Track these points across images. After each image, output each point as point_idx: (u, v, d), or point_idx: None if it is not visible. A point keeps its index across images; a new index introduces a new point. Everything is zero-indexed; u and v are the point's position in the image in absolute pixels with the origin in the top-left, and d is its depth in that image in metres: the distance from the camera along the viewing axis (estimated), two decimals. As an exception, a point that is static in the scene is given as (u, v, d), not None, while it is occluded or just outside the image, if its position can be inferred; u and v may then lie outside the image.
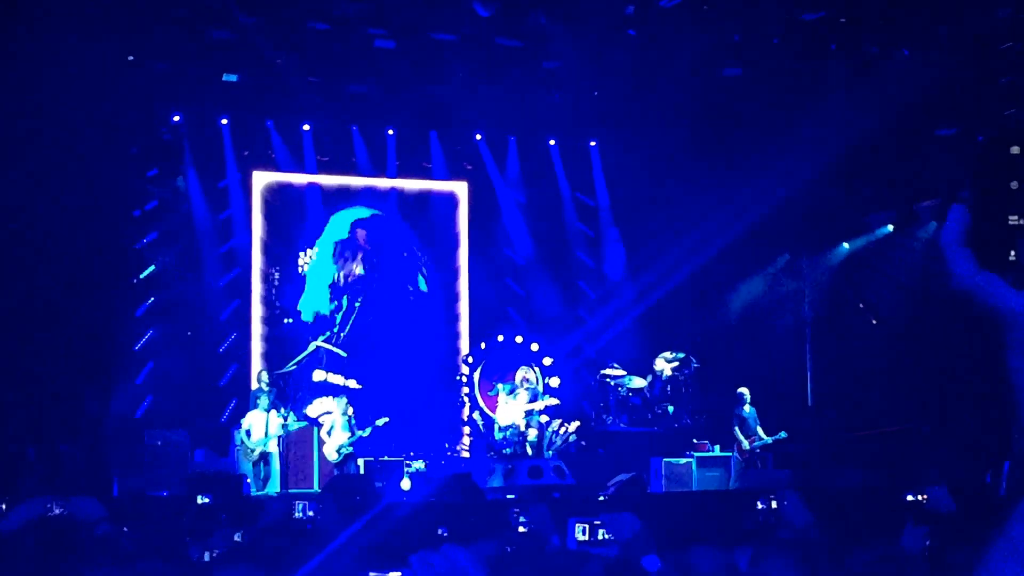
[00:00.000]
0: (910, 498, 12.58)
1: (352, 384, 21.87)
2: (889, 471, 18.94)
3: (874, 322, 23.77)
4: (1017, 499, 2.07)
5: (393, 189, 24.28)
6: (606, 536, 7.91)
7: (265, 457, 19.92)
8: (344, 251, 23.89)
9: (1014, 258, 2.22)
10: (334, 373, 22.36)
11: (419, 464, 21.61)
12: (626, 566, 5.95)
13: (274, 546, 6.91)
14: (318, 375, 22.37)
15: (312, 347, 23.05)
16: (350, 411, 21.03)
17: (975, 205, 2.27)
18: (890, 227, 23.46)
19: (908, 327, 22.65)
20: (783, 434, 20.96)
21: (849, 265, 24.46)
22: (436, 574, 3.22)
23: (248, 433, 19.95)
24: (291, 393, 22.35)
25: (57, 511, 9.46)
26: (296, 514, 12.17)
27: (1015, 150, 2.24)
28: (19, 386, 19.06)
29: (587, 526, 8.04)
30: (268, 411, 20.09)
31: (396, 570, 4.40)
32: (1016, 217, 2.28)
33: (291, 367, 22.80)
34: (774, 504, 8.69)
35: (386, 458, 21.12)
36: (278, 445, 20.05)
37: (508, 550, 6.54)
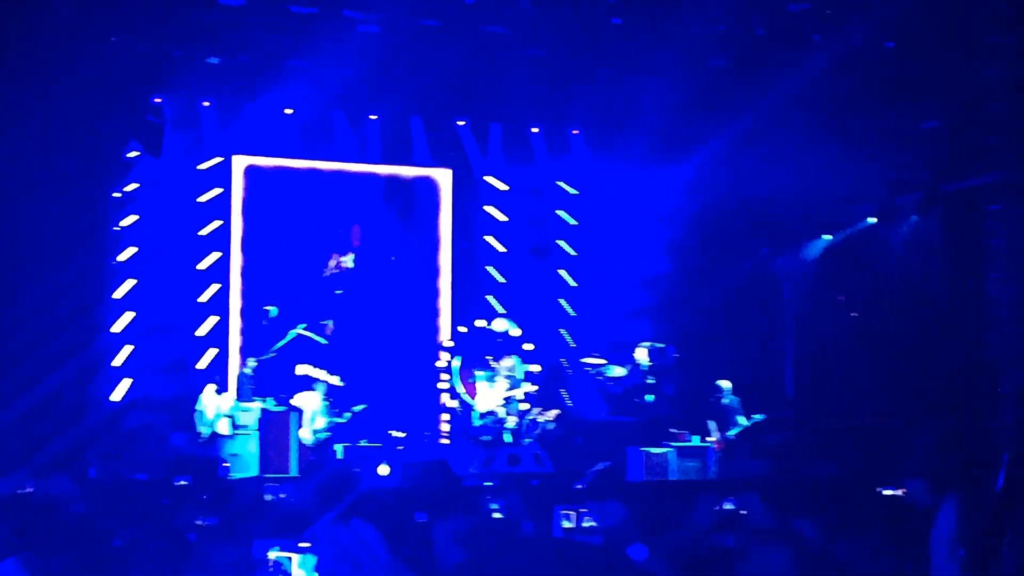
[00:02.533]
0: (887, 492, 12.54)
1: (335, 380, 21.80)
2: (867, 463, 18.96)
3: (854, 314, 23.77)
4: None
5: (375, 175, 24.19)
6: (591, 524, 7.88)
7: (216, 437, 20.06)
8: (336, 242, 23.80)
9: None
10: (317, 368, 22.30)
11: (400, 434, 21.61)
12: (611, 555, 5.91)
13: (248, 528, 6.87)
14: (301, 369, 22.31)
15: (292, 334, 22.97)
16: (327, 395, 21.07)
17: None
18: (872, 219, 23.47)
19: (888, 320, 22.67)
20: (759, 416, 20.91)
21: (830, 257, 24.46)
22: (341, 548, 3.20)
23: (201, 414, 20.08)
24: (271, 379, 22.29)
25: (29, 489, 9.42)
26: (267, 496, 12.16)
27: None
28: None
29: (572, 513, 8.01)
30: (221, 395, 20.23)
31: (304, 541, 4.37)
32: None
33: (271, 354, 22.74)
34: (729, 507, 8.64)
35: (364, 443, 21.12)
36: (229, 427, 20.13)
37: (486, 536, 6.50)
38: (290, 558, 4.43)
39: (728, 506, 7.79)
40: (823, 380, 24.03)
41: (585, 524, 8.11)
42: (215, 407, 20.39)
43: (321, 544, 3.27)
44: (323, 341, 23.15)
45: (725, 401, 21.17)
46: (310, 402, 21.02)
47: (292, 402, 21.18)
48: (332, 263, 23.70)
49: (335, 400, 21.19)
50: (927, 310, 22.05)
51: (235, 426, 20.37)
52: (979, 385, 21.21)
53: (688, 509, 7.44)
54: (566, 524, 8.11)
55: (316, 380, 21.43)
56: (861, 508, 11.38)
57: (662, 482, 19.47)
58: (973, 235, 21.54)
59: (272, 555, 4.54)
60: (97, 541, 7.13)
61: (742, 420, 21.06)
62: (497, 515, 8.97)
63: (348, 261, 23.77)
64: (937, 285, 22.05)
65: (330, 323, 23.18)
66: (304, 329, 23.07)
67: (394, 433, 21.63)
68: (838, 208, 23.96)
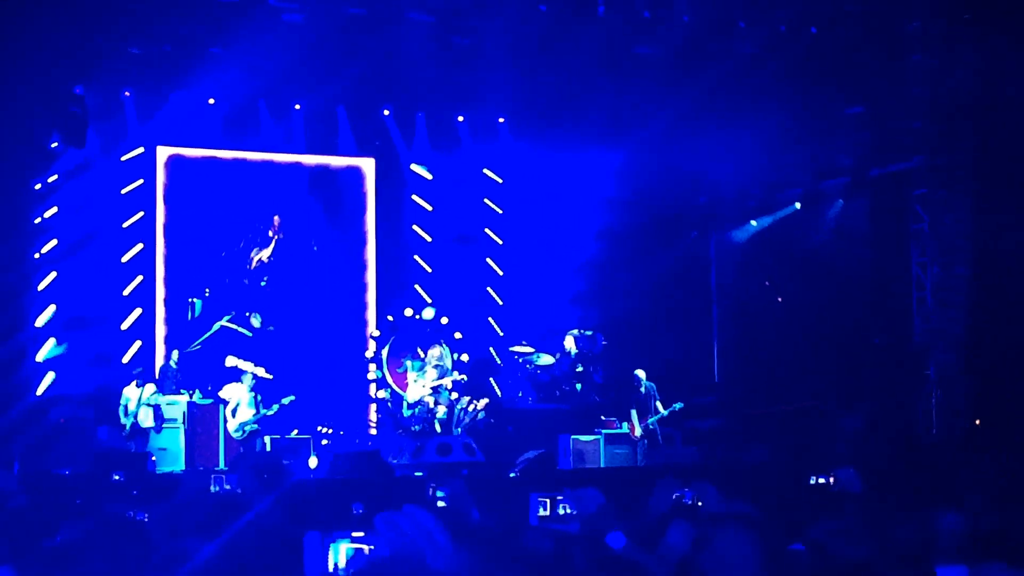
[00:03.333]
0: (818, 480, 12.61)
1: (262, 372, 21.65)
2: (797, 449, 19.09)
3: (779, 299, 23.89)
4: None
5: (300, 164, 24.02)
6: (567, 511, 7.80)
7: (140, 431, 19.88)
8: (256, 235, 23.60)
9: None
10: (245, 360, 22.13)
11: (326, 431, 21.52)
12: (589, 543, 5.87)
13: (195, 520, 6.76)
14: (230, 361, 22.13)
15: (217, 326, 22.79)
16: (253, 383, 20.92)
17: None
18: (797, 205, 23.61)
19: (815, 305, 22.81)
20: (679, 405, 20.89)
21: (756, 242, 24.57)
22: (401, 533, 3.17)
23: (125, 407, 19.92)
24: (197, 371, 22.10)
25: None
26: (213, 488, 12.06)
27: None
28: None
29: (548, 501, 7.93)
30: (142, 386, 20.04)
31: (360, 531, 4.32)
32: None
33: (196, 346, 22.56)
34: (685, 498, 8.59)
35: (295, 434, 21.00)
36: (150, 419, 19.97)
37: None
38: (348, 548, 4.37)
39: (683, 496, 7.75)
40: (750, 365, 24.16)
41: (561, 511, 8.04)
42: (136, 399, 20.16)
43: (380, 533, 3.23)
44: (248, 333, 22.97)
45: (642, 389, 21.12)
46: (237, 394, 20.85)
47: (220, 394, 21.01)
48: (253, 256, 23.51)
49: (263, 392, 21.03)
50: (854, 294, 22.22)
51: (162, 419, 20.16)
52: (905, 369, 21.41)
53: (643, 496, 7.41)
54: (542, 512, 8.04)
55: (243, 372, 21.27)
56: (797, 494, 11.46)
57: (594, 470, 19.50)
58: (899, 220, 21.71)
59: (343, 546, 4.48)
60: (32, 536, 7.01)
61: (659, 407, 20.99)
62: (441, 504, 8.92)
63: (266, 254, 23.58)
64: (863, 269, 22.23)
65: (256, 316, 23.01)
66: (229, 321, 22.88)
67: (322, 428, 21.50)
68: (765, 193, 24.08)
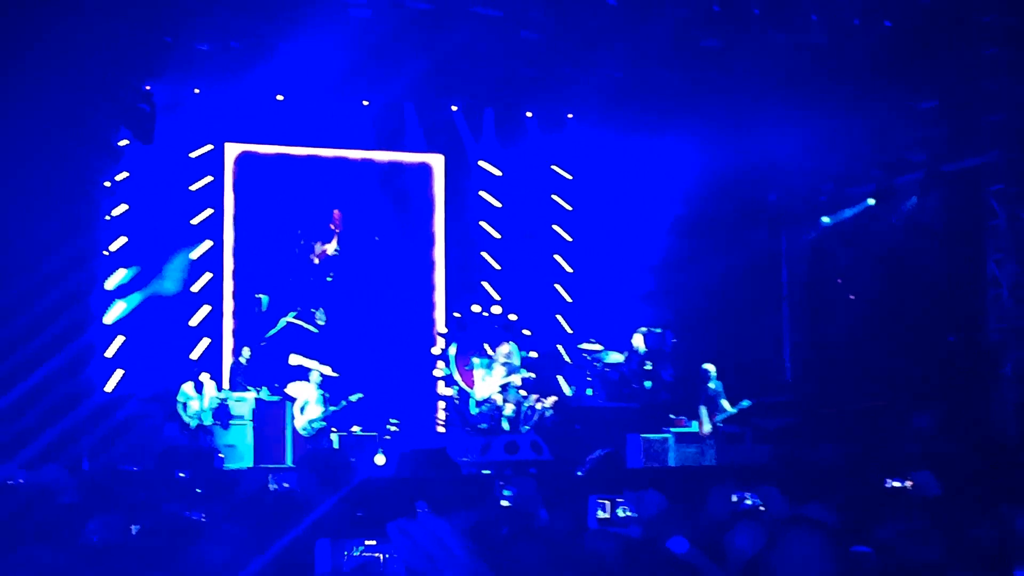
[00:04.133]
0: (894, 484, 12.37)
1: (327, 371, 21.65)
2: (869, 448, 18.81)
3: (852, 297, 23.59)
4: None
5: (368, 161, 24.00)
6: (628, 514, 7.63)
7: (206, 428, 19.94)
8: (318, 229, 23.58)
9: None
10: (310, 358, 22.15)
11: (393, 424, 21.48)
12: (650, 548, 5.72)
13: (253, 518, 6.68)
14: (294, 360, 22.14)
15: (282, 323, 22.81)
16: (321, 381, 20.95)
17: None
18: (871, 201, 23.27)
19: (887, 302, 22.50)
20: (746, 402, 20.72)
21: (828, 239, 24.27)
22: (413, 543, 3.07)
23: (185, 405, 19.99)
24: (265, 368, 22.12)
25: (20, 480, 9.24)
26: (271, 486, 11.97)
27: None
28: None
29: (608, 503, 7.74)
30: (203, 385, 20.21)
31: (372, 539, 4.19)
32: None
33: (263, 343, 22.58)
34: (749, 500, 8.40)
35: (359, 431, 20.97)
36: (210, 417, 20.02)
37: (504, 531, 6.28)
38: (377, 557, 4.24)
39: (747, 499, 7.57)
40: (822, 364, 23.89)
41: (622, 514, 7.86)
42: (199, 398, 20.27)
43: (394, 541, 3.12)
44: (314, 329, 22.96)
45: (711, 385, 20.97)
46: (304, 391, 20.86)
47: (287, 391, 21.02)
48: (317, 249, 23.49)
49: (330, 389, 21.03)
50: (928, 291, 21.88)
51: (230, 416, 20.21)
52: (980, 367, 21.09)
53: (703, 498, 7.25)
54: (601, 515, 7.85)
55: (309, 370, 21.30)
56: (870, 496, 11.22)
57: (663, 469, 19.32)
58: (973, 215, 21.38)
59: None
60: (90, 533, 6.96)
61: (726, 405, 20.83)
62: (504, 503, 8.78)
63: (331, 247, 23.53)
64: (937, 266, 21.88)
65: (320, 312, 23.00)
66: (295, 317, 22.88)
67: (392, 422, 21.48)
68: (837, 189, 23.77)
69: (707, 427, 20.58)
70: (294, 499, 8.43)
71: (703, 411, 20.77)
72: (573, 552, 5.29)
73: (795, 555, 5.00)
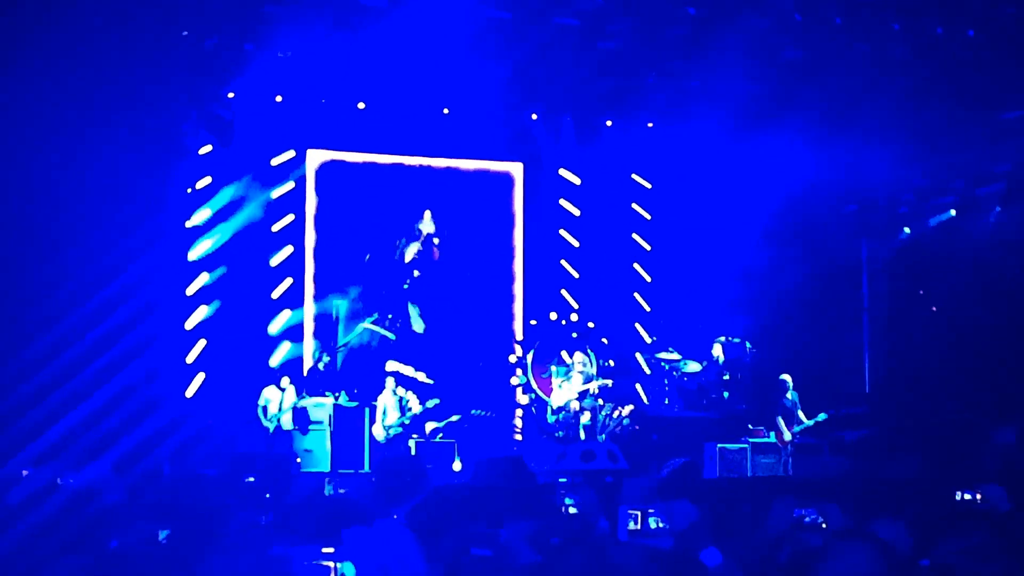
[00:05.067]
0: (964, 496, 12.23)
1: (422, 377, 21.79)
2: (944, 462, 18.61)
3: (934, 309, 23.37)
4: None
5: (448, 169, 24.08)
6: (660, 525, 7.59)
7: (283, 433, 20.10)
8: (405, 233, 23.69)
9: None
10: (405, 364, 22.30)
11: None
12: (682, 560, 5.67)
13: (304, 521, 6.70)
14: (391, 365, 22.26)
15: (359, 328, 22.90)
16: (400, 391, 21.00)
17: None
18: (952, 212, 23.03)
19: (969, 315, 22.25)
20: (823, 416, 20.63)
21: (909, 250, 24.05)
22: (368, 550, 3.10)
23: (264, 409, 20.16)
24: (343, 373, 22.26)
25: (68, 480, 9.33)
26: (327, 491, 12.05)
27: None
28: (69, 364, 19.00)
29: (639, 514, 7.70)
30: (284, 389, 20.33)
31: (329, 546, 4.23)
32: None
33: (340, 349, 22.71)
34: (807, 519, 8.33)
35: (440, 433, 21.04)
36: (291, 422, 20.15)
37: (553, 540, 6.27)
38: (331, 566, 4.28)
39: (806, 515, 7.51)
40: (902, 376, 23.67)
41: (653, 525, 7.82)
42: (278, 402, 20.44)
43: (353, 551, 3.16)
44: (391, 336, 23.04)
45: (788, 395, 20.89)
46: (383, 398, 20.98)
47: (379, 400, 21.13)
48: (408, 255, 23.54)
49: (416, 398, 21.12)
50: (1010, 305, 21.60)
51: (308, 421, 20.36)
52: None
53: (762, 511, 7.18)
54: (632, 526, 7.81)
55: (402, 377, 21.43)
56: (944, 511, 11.08)
57: (734, 480, 19.21)
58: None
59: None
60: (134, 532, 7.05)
61: (803, 417, 20.76)
62: (572, 510, 8.77)
63: (414, 248, 23.58)
64: (1020, 279, 21.60)
65: (415, 314, 23.08)
66: (372, 323, 22.97)
67: (478, 412, 21.52)
68: (918, 200, 23.56)
69: (787, 435, 20.52)
70: (347, 505, 8.46)
71: (780, 421, 20.67)
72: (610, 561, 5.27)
73: (843, 569, 4.96)
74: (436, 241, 23.66)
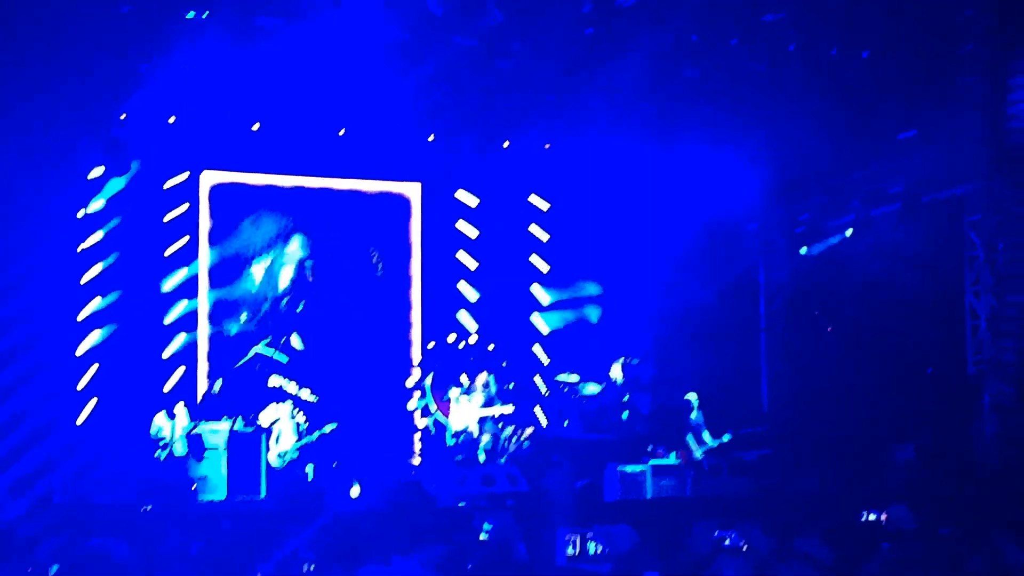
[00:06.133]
0: (868, 517, 12.31)
1: (305, 394, 21.54)
2: (845, 480, 18.72)
3: (829, 329, 23.52)
4: None
5: (344, 191, 23.87)
6: (599, 550, 7.43)
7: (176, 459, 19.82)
8: (291, 257, 23.47)
9: None
10: (289, 380, 22.03)
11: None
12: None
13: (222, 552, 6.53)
14: (274, 381, 22.00)
15: (252, 353, 22.62)
16: (298, 416, 20.77)
17: None
18: (848, 232, 23.21)
19: (864, 334, 22.43)
20: (727, 436, 20.72)
21: (805, 270, 24.21)
22: None
23: (158, 435, 19.92)
24: (238, 397, 21.95)
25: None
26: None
27: None
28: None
29: (577, 539, 7.53)
30: (174, 416, 20.14)
31: None
32: None
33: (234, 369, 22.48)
34: (727, 541, 8.26)
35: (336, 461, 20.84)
36: (184, 447, 19.87)
37: (469, 566, 6.10)
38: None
39: (726, 537, 7.41)
40: (799, 396, 23.81)
41: (592, 550, 7.65)
42: (169, 428, 20.12)
43: None
44: (284, 359, 22.78)
45: (693, 415, 20.96)
46: (279, 423, 20.70)
47: (260, 416, 20.82)
48: (283, 275, 23.33)
49: (305, 419, 20.90)
50: (906, 323, 21.80)
51: (203, 447, 20.02)
52: (958, 399, 21.02)
53: (685, 532, 7.08)
54: (570, 551, 7.63)
55: (286, 394, 21.15)
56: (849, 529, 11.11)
57: (644, 502, 19.20)
58: (952, 247, 21.35)
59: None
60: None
61: (707, 437, 20.82)
62: (483, 536, 8.63)
63: (287, 273, 23.39)
64: (916, 298, 21.80)
65: (295, 336, 22.87)
66: (266, 346, 22.71)
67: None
68: (815, 220, 23.74)
69: (698, 453, 20.59)
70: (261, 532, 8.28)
71: (691, 440, 20.73)
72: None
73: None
74: (309, 264, 23.48)
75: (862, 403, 21.75)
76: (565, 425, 22.87)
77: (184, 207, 22.69)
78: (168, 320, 22.42)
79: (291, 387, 21.54)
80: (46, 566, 7.19)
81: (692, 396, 21.11)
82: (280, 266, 23.39)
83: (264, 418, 20.83)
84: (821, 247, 23.79)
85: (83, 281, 21.53)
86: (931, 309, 21.82)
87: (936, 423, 20.77)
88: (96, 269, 21.66)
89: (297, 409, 20.98)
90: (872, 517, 12.16)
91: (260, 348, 22.60)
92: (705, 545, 6.83)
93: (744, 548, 7.24)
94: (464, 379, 21.84)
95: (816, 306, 23.84)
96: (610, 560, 6.48)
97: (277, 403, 21.14)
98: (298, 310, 23.27)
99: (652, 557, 5.98)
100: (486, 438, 20.99)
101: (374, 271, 23.90)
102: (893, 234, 22.38)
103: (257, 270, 23.22)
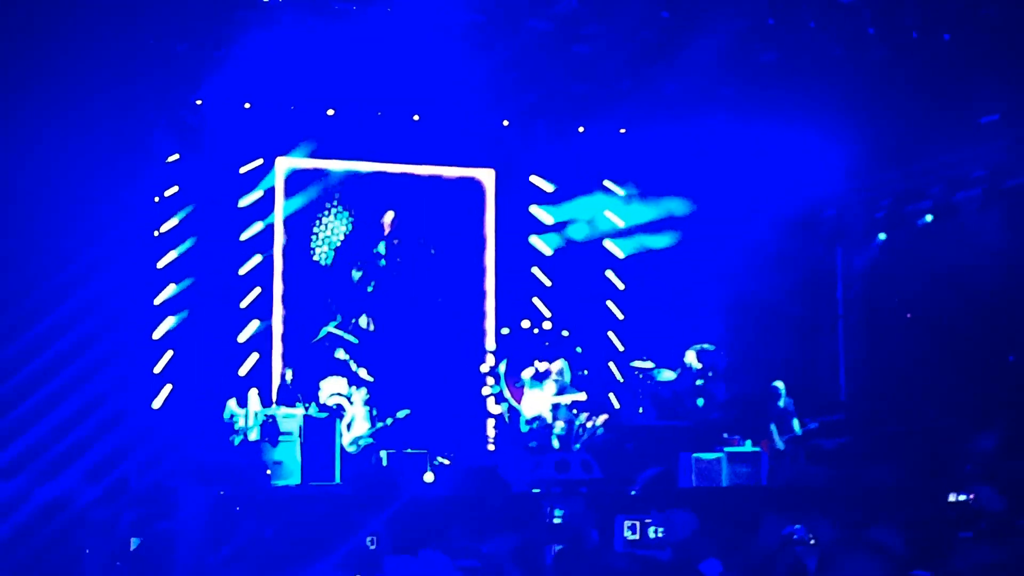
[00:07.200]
0: (958, 498, 12.08)
1: (363, 373, 21.58)
2: (925, 469, 18.47)
3: (909, 315, 23.23)
4: None
5: (419, 176, 23.86)
6: (658, 535, 7.32)
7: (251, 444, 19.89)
8: (367, 234, 23.52)
9: None
10: (354, 359, 22.11)
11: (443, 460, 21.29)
12: (681, 571, 5.41)
13: (294, 538, 6.49)
14: (341, 354, 22.10)
15: (323, 333, 22.70)
16: (359, 398, 20.88)
17: None
18: (929, 218, 22.88)
19: (944, 321, 22.11)
20: (813, 424, 20.54)
21: (885, 256, 23.90)
22: None
23: (231, 421, 19.96)
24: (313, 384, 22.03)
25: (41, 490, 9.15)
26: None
27: None
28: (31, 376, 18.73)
29: (637, 524, 7.41)
30: (246, 400, 20.33)
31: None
32: None
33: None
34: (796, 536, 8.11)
35: (409, 450, 20.79)
36: (258, 433, 19.91)
37: (551, 548, 6.02)
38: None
39: (794, 533, 7.25)
40: (878, 384, 23.53)
41: (652, 535, 7.54)
42: (243, 414, 20.19)
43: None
44: (354, 340, 22.82)
45: (781, 403, 20.76)
46: (351, 408, 20.76)
47: (321, 386, 20.91)
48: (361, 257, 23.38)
49: (377, 405, 20.93)
50: (987, 310, 21.46)
51: (279, 433, 20.08)
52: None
53: (754, 520, 6.94)
54: (629, 536, 7.52)
55: (348, 369, 21.28)
56: (936, 515, 10.91)
57: (717, 490, 19.02)
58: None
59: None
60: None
61: (795, 425, 20.64)
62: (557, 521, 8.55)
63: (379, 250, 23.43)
64: (997, 284, 21.44)
65: (365, 318, 22.92)
66: (336, 327, 22.76)
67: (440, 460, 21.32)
68: (895, 206, 23.42)
69: (779, 445, 20.40)
70: (334, 519, 8.24)
71: (773, 428, 20.57)
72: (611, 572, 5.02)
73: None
74: (395, 241, 23.50)
75: (942, 391, 21.43)
76: (639, 412, 22.76)
77: (259, 193, 22.76)
78: (243, 305, 22.50)
79: (352, 364, 21.67)
80: (126, 540, 7.19)
81: (780, 384, 20.93)
82: (351, 250, 23.42)
83: (324, 389, 20.90)
84: (901, 232, 23.47)
85: (160, 265, 21.66)
86: (1012, 296, 21.46)
87: (1018, 412, 20.45)
88: (172, 254, 21.78)
89: (362, 388, 21.04)
90: (960, 498, 11.97)
91: (331, 328, 22.67)
92: (772, 538, 6.69)
93: (812, 542, 7.08)
94: (538, 365, 21.76)
95: (895, 293, 23.54)
96: (670, 546, 6.36)
97: (340, 377, 21.22)
98: (369, 289, 23.28)
99: (713, 544, 5.86)
100: (560, 425, 20.90)
101: (446, 256, 23.87)
102: (974, 220, 22.03)
103: (328, 253, 23.26)
